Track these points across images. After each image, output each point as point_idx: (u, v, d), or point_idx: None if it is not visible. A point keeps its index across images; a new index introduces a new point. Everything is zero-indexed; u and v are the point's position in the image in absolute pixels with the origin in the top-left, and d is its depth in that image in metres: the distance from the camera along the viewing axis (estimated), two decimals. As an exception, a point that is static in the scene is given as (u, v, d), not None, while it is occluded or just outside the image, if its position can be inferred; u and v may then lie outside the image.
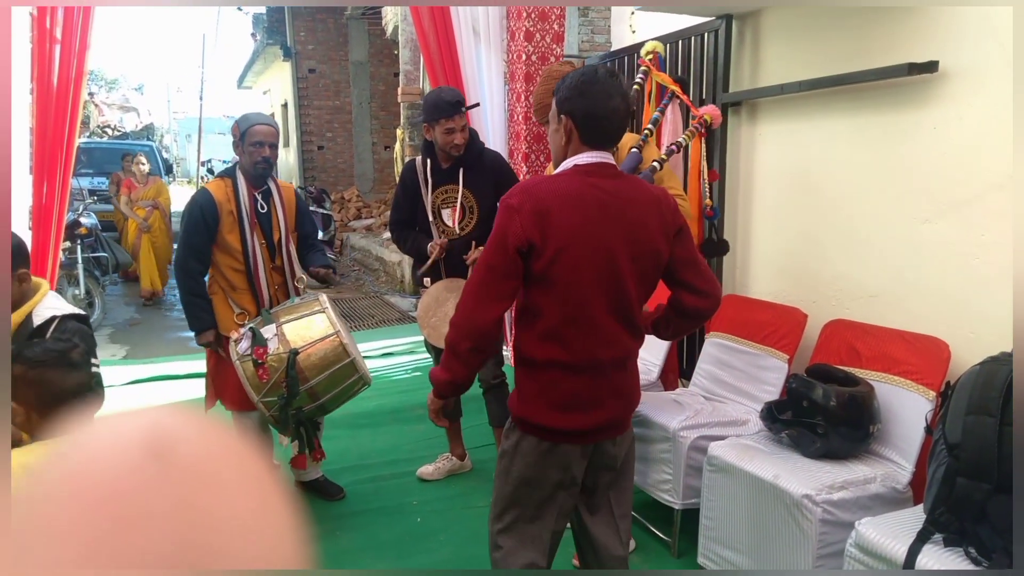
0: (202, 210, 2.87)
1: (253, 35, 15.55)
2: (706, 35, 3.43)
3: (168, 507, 0.35)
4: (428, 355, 3.38)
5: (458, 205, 3.13)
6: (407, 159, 8.23)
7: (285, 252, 3.02)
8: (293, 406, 2.71)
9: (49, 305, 2.05)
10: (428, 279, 3.19)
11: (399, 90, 8.21)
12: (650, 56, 3.22)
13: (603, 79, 1.74)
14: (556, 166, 1.85)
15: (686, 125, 3.21)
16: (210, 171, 27.31)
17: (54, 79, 3.79)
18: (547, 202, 1.69)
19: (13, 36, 3.73)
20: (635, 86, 3.23)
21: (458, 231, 3.14)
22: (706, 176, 3.14)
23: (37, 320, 1.99)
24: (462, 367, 1.80)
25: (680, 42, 3.62)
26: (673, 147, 2.97)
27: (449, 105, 2.99)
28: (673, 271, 1.81)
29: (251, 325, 2.79)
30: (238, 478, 0.39)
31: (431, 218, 3.16)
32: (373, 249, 9.90)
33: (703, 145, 3.12)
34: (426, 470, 3.48)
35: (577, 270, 1.70)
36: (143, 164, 7.81)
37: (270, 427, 3.05)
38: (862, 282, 2.80)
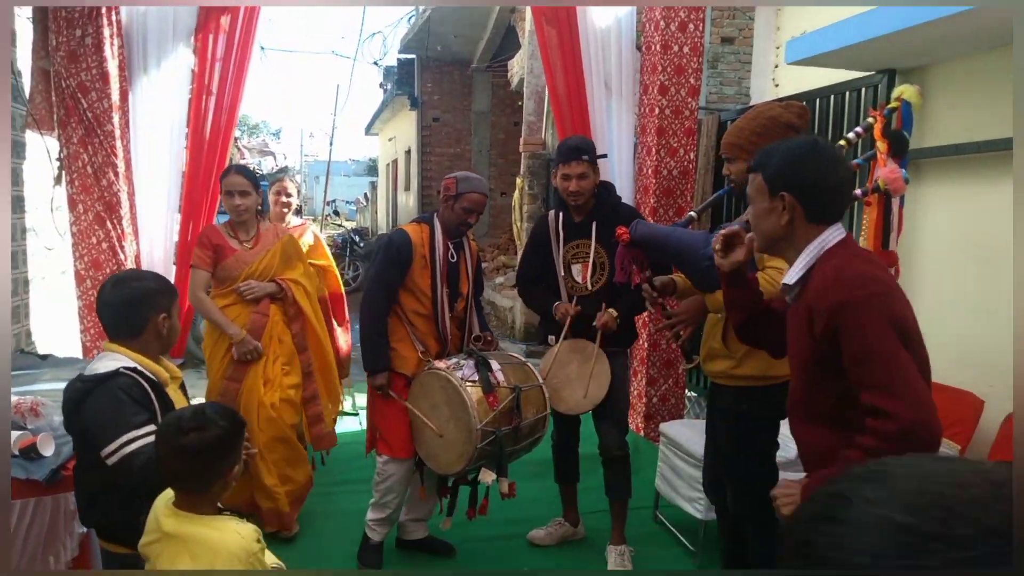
0: (398, 249, 2.85)
1: (382, 86, 16.40)
2: (863, 90, 3.19)
3: None
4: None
5: (590, 261, 2.98)
6: (525, 207, 8.28)
7: (469, 305, 3.06)
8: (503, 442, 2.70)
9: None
10: (552, 337, 3.08)
11: (521, 140, 8.29)
12: (895, 104, 2.67)
13: (825, 148, 1.60)
14: (769, 249, 1.70)
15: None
16: (336, 212, 28.82)
17: (207, 128, 4.05)
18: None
19: (173, 88, 4.04)
20: (842, 142, 2.80)
21: (588, 287, 2.99)
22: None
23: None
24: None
25: (832, 97, 3.39)
26: None
27: (568, 150, 2.90)
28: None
29: (463, 357, 2.81)
30: None
31: (561, 273, 3.03)
32: (485, 293, 9.97)
33: (878, 216, 2.72)
34: (537, 534, 3.31)
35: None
36: (287, 196, 3.97)
37: (417, 477, 3.01)
38: (1054, 370, 2.43)
